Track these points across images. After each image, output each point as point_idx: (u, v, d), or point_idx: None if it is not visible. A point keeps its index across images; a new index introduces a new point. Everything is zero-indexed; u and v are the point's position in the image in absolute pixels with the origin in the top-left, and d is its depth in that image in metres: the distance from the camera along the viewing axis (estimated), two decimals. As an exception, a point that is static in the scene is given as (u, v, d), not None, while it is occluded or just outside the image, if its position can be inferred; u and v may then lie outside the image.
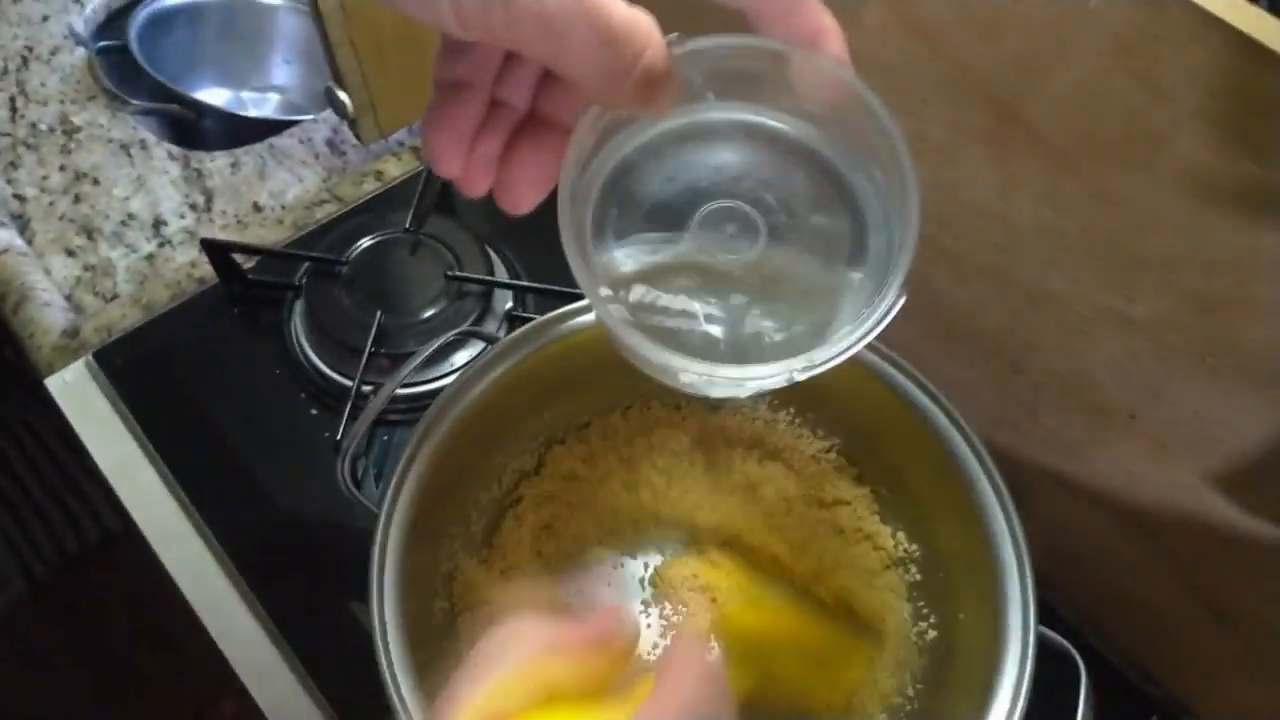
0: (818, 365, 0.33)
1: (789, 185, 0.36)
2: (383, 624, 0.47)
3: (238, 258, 0.74)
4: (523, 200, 0.34)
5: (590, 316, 0.54)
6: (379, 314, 0.68)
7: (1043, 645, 0.48)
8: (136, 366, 0.72)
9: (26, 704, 1.41)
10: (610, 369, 0.58)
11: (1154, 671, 0.64)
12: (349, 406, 0.65)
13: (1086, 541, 0.61)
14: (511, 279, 0.73)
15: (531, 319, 0.55)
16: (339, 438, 0.65)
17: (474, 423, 0.52)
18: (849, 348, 0.33)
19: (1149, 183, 0.45)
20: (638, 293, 0.36)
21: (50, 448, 1.55)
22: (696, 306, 0.36)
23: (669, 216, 0.35)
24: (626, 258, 0.36)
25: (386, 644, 0.46)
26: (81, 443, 0.69)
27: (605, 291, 0.35)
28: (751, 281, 0.35)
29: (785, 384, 0.35)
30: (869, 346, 0.35)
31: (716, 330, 0.36)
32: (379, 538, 0.47)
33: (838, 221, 0.36)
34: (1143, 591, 0.61)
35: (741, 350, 0.36)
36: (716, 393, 0.40)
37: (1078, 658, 0.49)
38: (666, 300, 0.37)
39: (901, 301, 0.34)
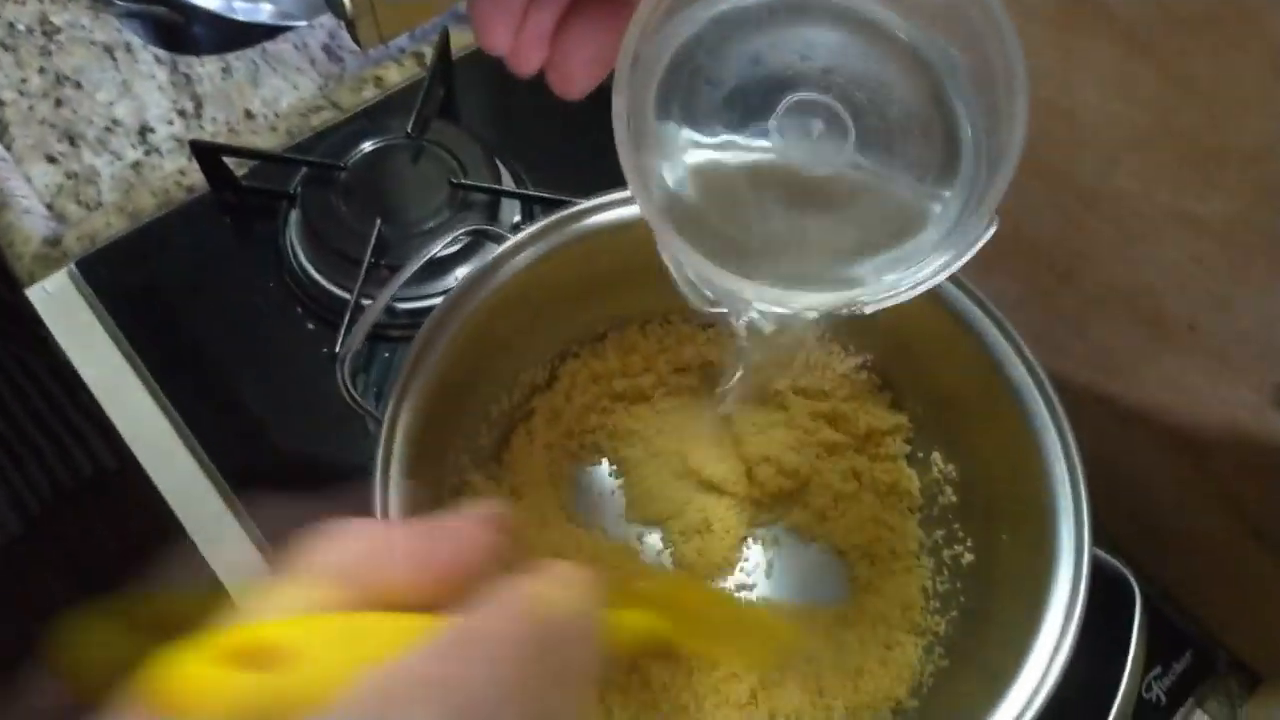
0: (894, 295, 0.29)
1: (882, 83, 0.31)
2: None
3: (230, 163, 0.69)
4: (576, 81, 0.31)
5: (610, 215, 0.50)
6: (379, 223, 0.64)
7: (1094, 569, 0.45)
8: (122, 277, 0.68)
9: (21, 640, 1.39)
10: (634, 276, 0.54)
11: (1189, 603, 0.61)
12: (347, 319, 0.61)
13: (1129, 464, 0.58)
14: (519, 189, 0.69)
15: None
16: (337, 348, 0.61)
17: (483, 327, 0.48)
18: (931, 277, 0.29)
19: (1236, 65, 0.41)
20: (694, 190, 0.32)
21: (44, 384, 1.51)
22: (762, 215, 0.32)
23: (745, 104, 0.31)
24: (687, 146, 0.31)
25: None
26: (76, 377, 0.65)
27: (653, 182, 0.30)
28: (829, 193, 0.31)
29: (852, 315, 0.31)
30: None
31: (780, 246, 0.32)
32: (381, 446, 0.44)
33: (930, 132, 0.31)
34: (1184, 517, 0.58)
35: (803, 273, 0.32)
36: (768, 325, 0.36)
37: (1133, 580, 0.45)
38: (727, 204, 0.32)
39: (993, 230, 0.30)
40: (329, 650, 0.22)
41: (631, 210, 0.50)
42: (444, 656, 0.22)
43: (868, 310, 0.31)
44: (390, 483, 0.44)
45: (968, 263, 0.33)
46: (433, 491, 0.49)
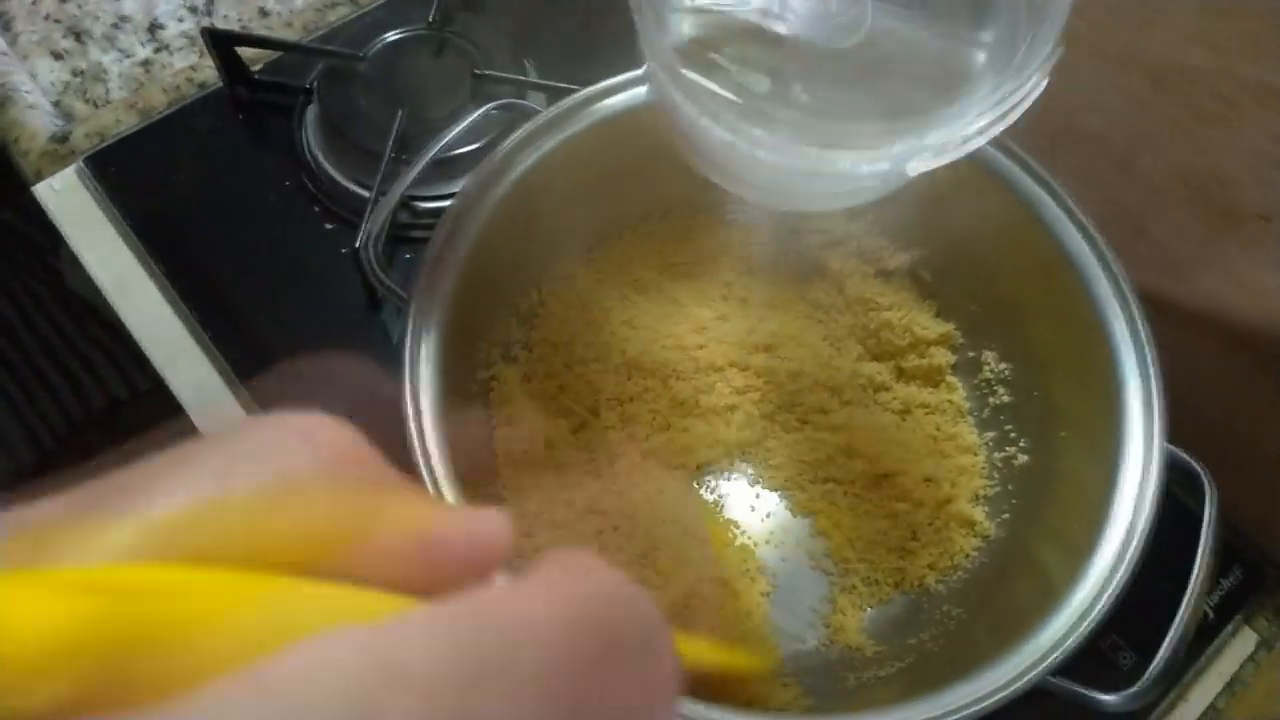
0: (938, 155, 0.27)
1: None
2: (419, 425, 0.41)
3: (245, 57, 0.66)
4: None
5: (639, 93, 0.47)
6: (400, 115, 0.61)
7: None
8: (132, 174, 0.65)
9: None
10: (665, 161, 0.52)
11: (1241, 518, 0.59)
12: (368, 214, 0.58)
13: (1188, 368, 0.55)
14: (543, 80, 0.66)
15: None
16: (357, 243, 0.58)
17: (512, 210, 0.46)
18: (978, 135, 0.26)
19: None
20: (707, 54, 0.29)
21: (54, 315, 1.49)
22: (784, 88, 0.30)
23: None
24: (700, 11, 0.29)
25: (425, 446, 0.40)
26: (87, 307, 0.63)
27: (669, 30, 0.28)
28: (855, 63, 0.29)
29: (890, 179, 0.28)
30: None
31: (807, 113, 0.30)
32: (410, 326, 0.41)
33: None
34: (1244, 423, 0.55)
35: (832, 138, 0.29)
36: (799, 199, 0.33)
37: (1204, 476, 0.43)
38: (745, 74, 0.30)
39: (1044, 83, 0.27)
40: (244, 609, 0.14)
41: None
42: (440, 641, 0.13)
43: (910, 173, 0.28)
44: (420, 367, 0.41)
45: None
46: (462, 385, 0.46)
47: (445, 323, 0.43)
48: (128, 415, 1.48)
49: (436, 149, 0.50)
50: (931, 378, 0.54)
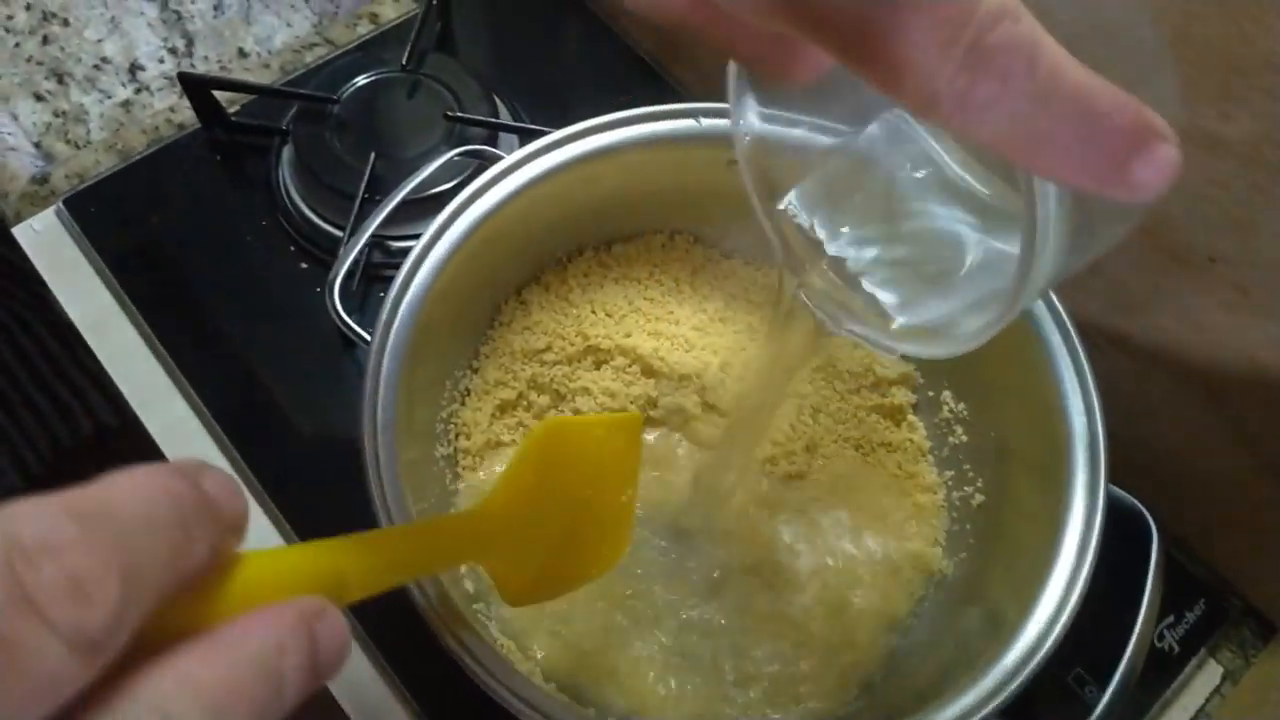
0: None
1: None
2: (376, 469, 0.42)
3: (221, 100, 0.67)
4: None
5: (612, 137, 0.48)
6: (373, 157, 0.62)
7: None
8: (111, 215, 0.66)
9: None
10: (634, 200, 0.53)
11: (1203, 551, 0.60)
12: (341, 254, 0.59)
13: (1143, 405, 0.56)
14: (516, 123, 0.67)
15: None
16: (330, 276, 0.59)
17: (475, 249, 0.46)
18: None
19: (1264, -34, 0.38)
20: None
21: (44, 342, 1.50)
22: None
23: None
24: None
25: (383, 491, 0.41)
26: (75, 334, 0.64)
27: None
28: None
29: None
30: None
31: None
32: (370, 367, 0.42)
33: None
34: (1199, 458, 0.56)
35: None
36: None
37: (1150, 518, 0.44)
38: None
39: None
40: None
41: (631, 133, 0.48)
42: None
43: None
44: (379, 409, 0.42)
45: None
46: (426, 420, 0.47)
47: (405, 363, 0.44)
48: (116, 443, 1.48)
49: (406, 191, 0.51)
50: (894, 416, 0.55)
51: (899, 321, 0.31)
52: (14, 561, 0.17)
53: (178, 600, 0.20)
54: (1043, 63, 0.20)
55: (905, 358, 0.56)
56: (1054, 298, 0.45)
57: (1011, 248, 0.28)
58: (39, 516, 0.18)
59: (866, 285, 0.32)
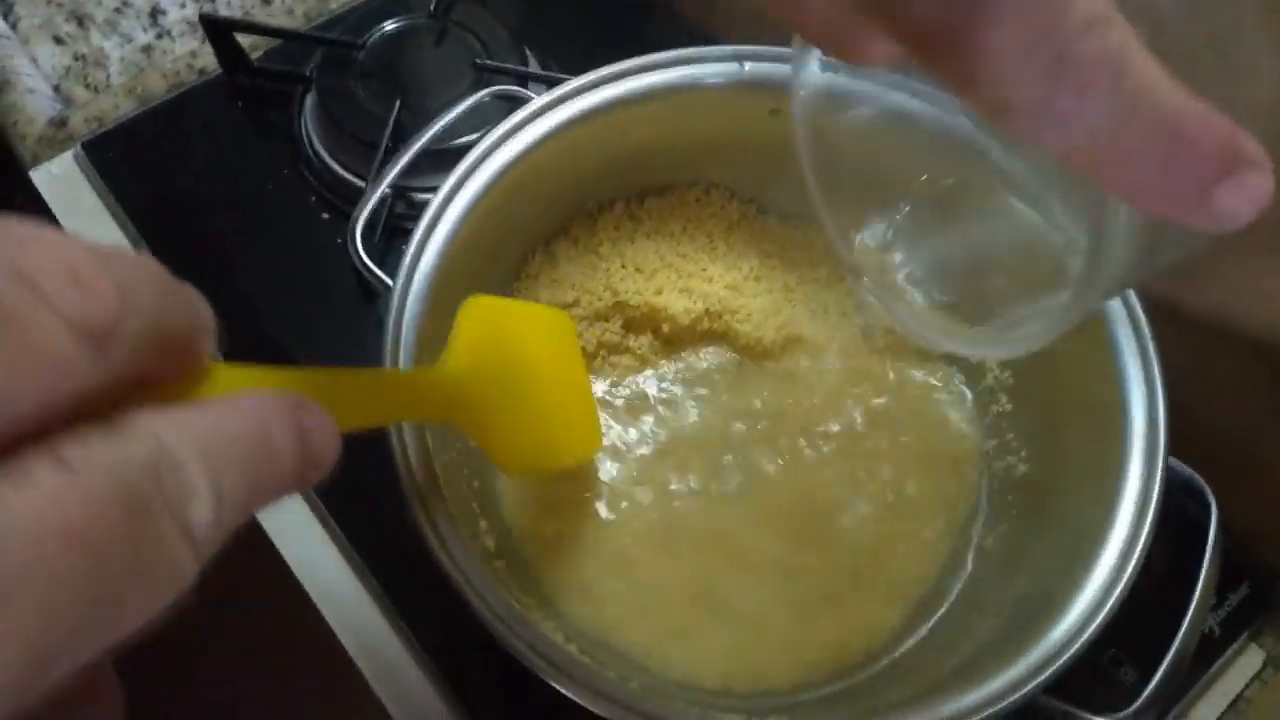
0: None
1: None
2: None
3: (244, 45, 0.66)
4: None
5: (646, 80, 0.46)
6: (398, 105, 0.60)
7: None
8: (130, 160, 0.64)
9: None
10: (666, 149, 0.51)
11: (1250, 530, 0.57)
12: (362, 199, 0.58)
13: (1197, 377, 0.53)
14: (545, 72, 0.64)
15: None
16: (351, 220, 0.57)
17: (508, 191, 0.44)
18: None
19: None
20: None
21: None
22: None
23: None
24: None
25: (403, 443, 0.39)
26: None
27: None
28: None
29: None
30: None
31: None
32: (393, 311, 0.40)
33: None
34: (1257, 435, 0.53)
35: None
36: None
37: (1208, 492, 0.41)
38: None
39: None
40: None
41: (669, 76, 0.46)
42: None
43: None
44: (400, 354, 0.40)
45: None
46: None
47: (428, 309, 0.42)
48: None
49: (427, 138, 0.49)
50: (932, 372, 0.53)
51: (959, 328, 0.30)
52: (6, 244, 0.16)
53: (162, 389, 0.19)
54: (1130, 77, 0.18)
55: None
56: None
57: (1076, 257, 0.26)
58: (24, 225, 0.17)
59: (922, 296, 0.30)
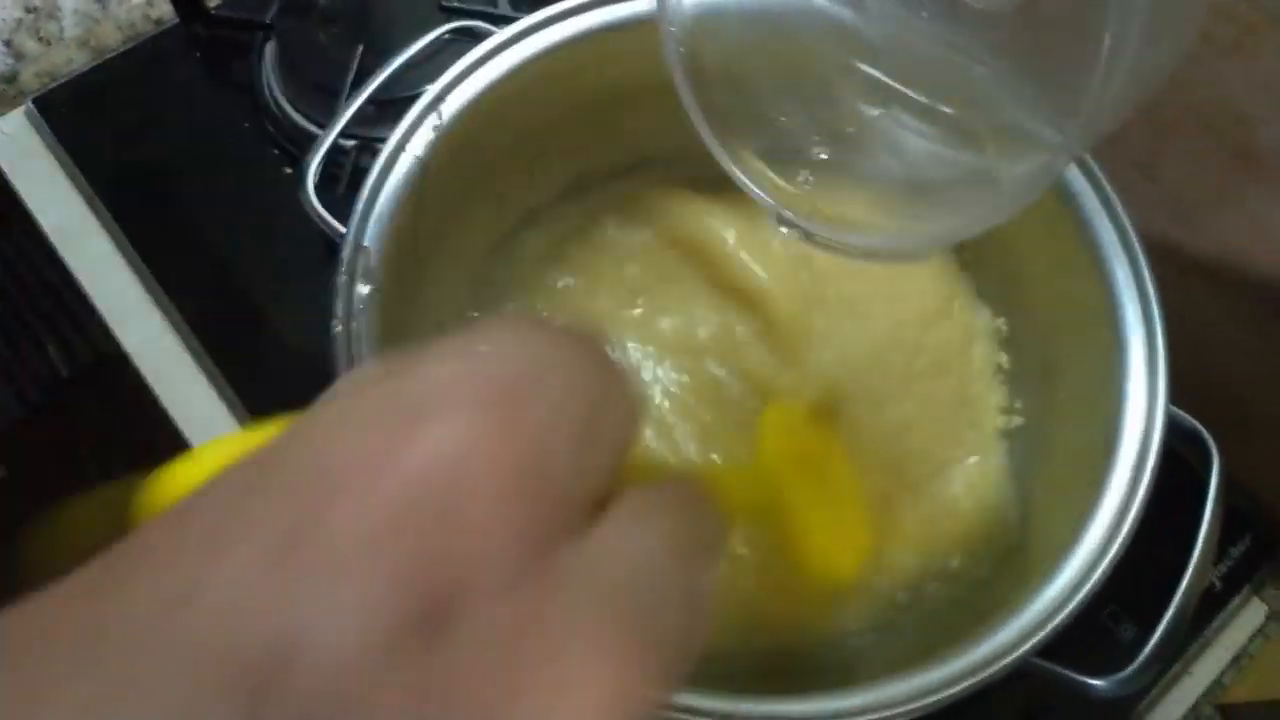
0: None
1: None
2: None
3: (199, -9, 0.63)
4: None
5: (623, 10, 0.43)
6: (360, 51, 0.58)
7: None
8: (83, 116, 0.62)
9: (20, 527, 1.37)
10: (652, 96, 0.48)
11: (1252, 480, 0.55)
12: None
13: (1197, 320, 0.51)
14: (514, 12, 0.62)
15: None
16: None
17: (471, 135, 0.42)
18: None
19: None
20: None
21: (42, 271, 1.47)
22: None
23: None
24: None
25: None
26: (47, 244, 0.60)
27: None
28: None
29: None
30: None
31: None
32: (344, 263, 0.38)
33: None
34: (1260, 381, 0.51)
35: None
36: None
37: (1210, 441, 0.39)
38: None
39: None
40: None
41: (638, 7, 0.43)
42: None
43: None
44: (353, 318, 0.38)
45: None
46: (412, 326, 0.43)
47: (383, 268, 0.39)
48: (116, 372, 1.46)
49: (380, 80, 0.46)
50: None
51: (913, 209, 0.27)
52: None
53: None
54: None
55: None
56: (1109, 190, 0.40)
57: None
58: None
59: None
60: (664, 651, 0.16)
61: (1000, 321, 0.48)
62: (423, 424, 0.15)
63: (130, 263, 0.58)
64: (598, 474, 0.18)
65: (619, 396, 0.19)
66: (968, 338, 0.48)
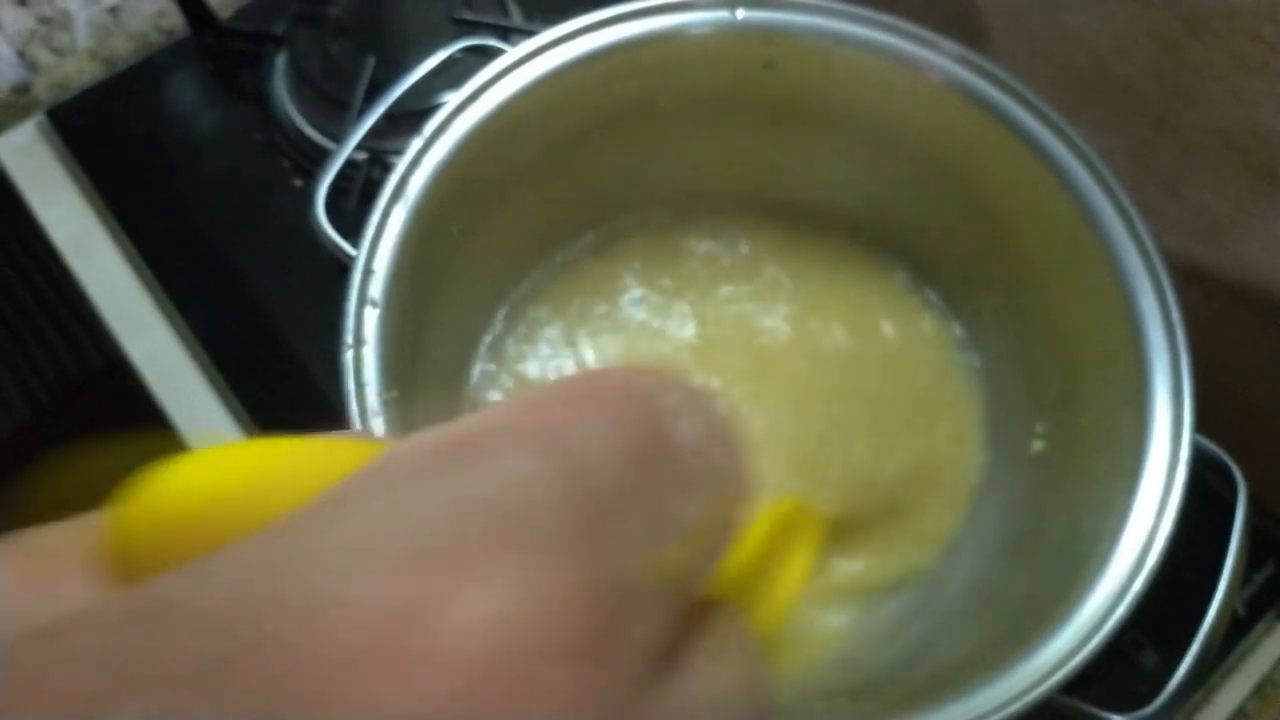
0: None
1: None
2: (361, 404, 0.37)
3: (213, 4, 0.62)
4: None
5: (642, 26, 0.42)
6: (372, 63, 0.57)
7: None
8: (95, 128, 0.61)
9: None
10: (669, 114, 0.47)
11: (1277, 508, 0.54)
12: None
13: (1223, 343, 0.50)
14: (529, 26, 0.61)
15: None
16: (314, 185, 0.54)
17: (479, 158, 0.41)
18: None
19: None
20: None
21: (52, 273, 1.47)
22: None
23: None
24: None
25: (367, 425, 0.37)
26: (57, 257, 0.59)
27: None
28: None
29: None
30: None
31: None
32: (354, 286, 0.37)
33: None
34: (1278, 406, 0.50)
35: None
36: None
37: (1236, 471, 0.38)
38: None
39: None
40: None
41: (651, 25, 0.42)
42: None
43: None
44: (365, 344, 0.37)
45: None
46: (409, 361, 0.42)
47: (395, 288, 0.39)
48: (125, 373, 1.46)
49: (395, 97, 0.46)
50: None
51: None
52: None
53: None
54: None
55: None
56: (1133, 213, 0.39)
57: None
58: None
59: None
60: None
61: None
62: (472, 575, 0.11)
63: (139, 274, 0.58)
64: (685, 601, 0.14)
65: (734, 487, 0.15)
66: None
